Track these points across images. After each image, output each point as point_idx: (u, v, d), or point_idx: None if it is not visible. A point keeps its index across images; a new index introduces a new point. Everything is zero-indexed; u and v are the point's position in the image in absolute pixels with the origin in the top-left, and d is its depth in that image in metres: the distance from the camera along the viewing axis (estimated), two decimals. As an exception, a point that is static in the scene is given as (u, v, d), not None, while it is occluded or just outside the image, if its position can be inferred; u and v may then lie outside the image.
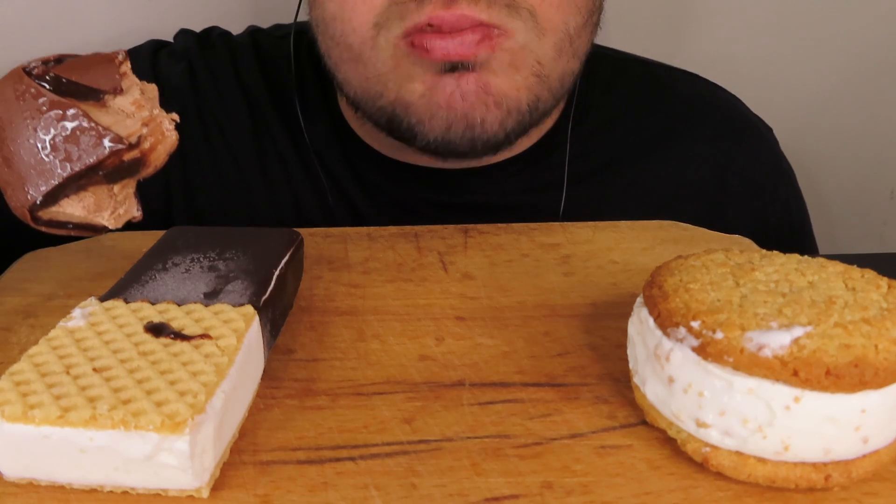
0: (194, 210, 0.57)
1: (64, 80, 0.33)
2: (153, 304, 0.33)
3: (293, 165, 0.58)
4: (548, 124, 0.59)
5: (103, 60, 0.34)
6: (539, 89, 0.49)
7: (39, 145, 0.32)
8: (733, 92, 0.66)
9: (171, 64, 0.60)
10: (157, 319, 0.32)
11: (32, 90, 0.32)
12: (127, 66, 0.34)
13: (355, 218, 0.57)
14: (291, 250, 0.39)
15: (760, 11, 0.83)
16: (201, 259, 0.37)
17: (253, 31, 0.63)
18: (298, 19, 0.58)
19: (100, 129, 0.32)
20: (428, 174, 0.56)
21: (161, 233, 0.41)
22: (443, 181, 0.57)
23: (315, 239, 0.48)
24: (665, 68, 0.65)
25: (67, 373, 0.28)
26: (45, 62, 0.33)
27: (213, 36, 0.62)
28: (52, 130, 0.32)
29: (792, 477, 0.28)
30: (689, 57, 0.73)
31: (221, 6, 0.77)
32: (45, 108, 0.32)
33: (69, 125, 0.32)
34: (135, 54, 0.61)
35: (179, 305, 0.33)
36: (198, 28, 0.63)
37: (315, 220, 0.57)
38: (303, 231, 0.42)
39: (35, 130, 0.32)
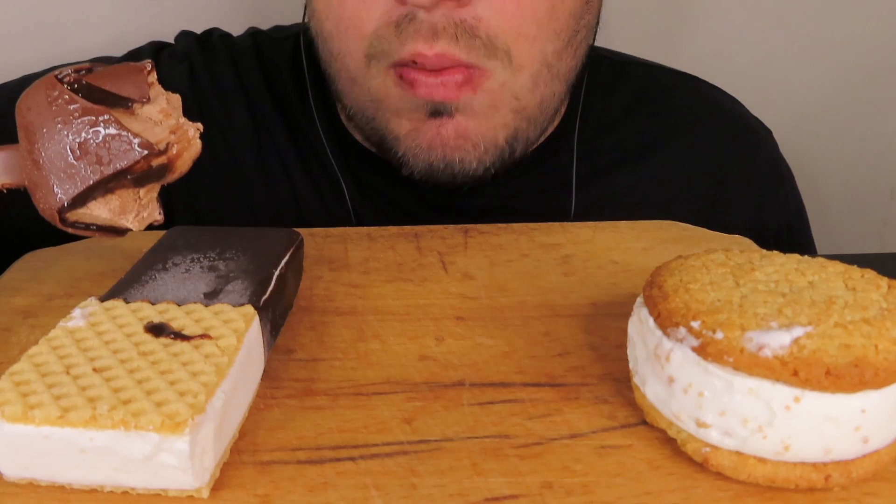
0: (195, 211, 0.57)
1: (95, 88, 0.34)
2: (153, 304, 0.33)
3: (293, 167, 0.58)
4: (549, 128, 0.59)
5: (132, 70, 0.35)
6: (517, 122, 0.50)
7: (71, 149, 0.33)
8: (733, 93, 0.66)
9: (171, 65, 0.60)
10: (157, 319, 0.32)
11: (65, 97, 0.33)
12: (154, 77, 0.36)
13: (356, 221, 0.57)
14: (291, 250, 0.39)
15: (760, 12, 0.83)
16: (201, 259, 0.37)
17: (253, 33, 0.63)
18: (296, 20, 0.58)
19: (131, 135, 0.33)
20: None
21: (161, 233, 0.41)
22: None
23: (315, 239, 0.48)
24: (665, 70, 0.65)
25: (67, 373, 0.28)
26: (77, 70, 0.34)
27: (214, 37, 0.62)
28: (84, 135, 0.33)
29: (792, 477, 0.28)
30: (689, 58, 0.73)
31: (221, 7, 0.78)
32: (77, 114, 0.33)
33: (101, 131, 0.33)
34: (135, 56, 0.61)
35: (179, 305, 0.33)
36: (198, 29, 0.63)
37: (315, 223, 0.57)
38: (303, 231, 0.42)
39: (67, 135, 0.33)
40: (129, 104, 0.34)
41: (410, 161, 0.50)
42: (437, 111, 0.48)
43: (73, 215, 0.34)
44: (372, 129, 0.52)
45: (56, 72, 0.34)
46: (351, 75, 0.50)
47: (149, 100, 0.35)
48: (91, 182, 0.33)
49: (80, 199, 0.33)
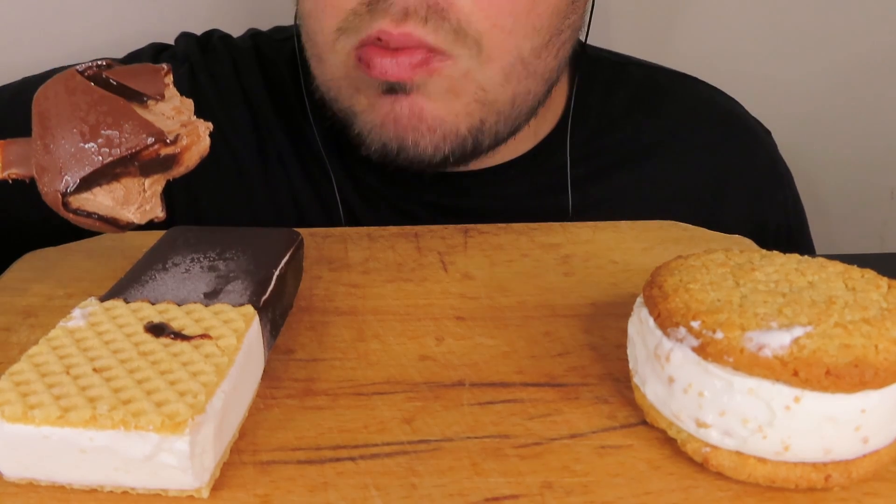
0: (195, 212, 0.57)
1: (112, 82, 0.35)
2: (153, 304, 0.33)
3: (293, 168, 0.58)
4: (546, 128, 0.59)
5: (149, 70, 0.36)
6: (483, 113, 0.49)
7: (81, 133, 0.34)
8: (732, 93, 0.66)
9: (172, 67, 0.60)
10: (157, 319, 0.32)
11: (83, 87, 0.34)
12: (170, 79, 0.37)
13: (354, 223, 0.57)
14: (291, 250, 0.39)
15: (759, 13, 0.83)
16: (201, 259, 0.37)
17: (253, 35, 0.63)
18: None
19: (142, 121, 0.34)
20: (425, 178, 0.56)
21: (161, 233, 0.41)
22: (440, 185, 0.57)
23: (315, 239, 0.48)
24: (664, 71, 0.65)
25: (67, 373, 0.28)
26: (98, 66, 0.36)
27: (214, 39, 0.62)
28: (97, 120, 0.34)
29: (792, 477, 0.28)
30: (688, 59, 0.73)
31: (221, 9, 0.78)
32: (93, 101, 0.34)
33: (114, 116, 0.34)
34: (136, 57, 0.61)
35: (179, 305, 0.33)
36: (198, 31, 0.63)
37: (315, 223, 0.57)
38: (303, 231, 0.42)
39: (81, 121, 0.34)
40: (144, 99, 0.35)
41: (366, 139, 0.50)
42: (393, 88, 0.47)
43: (76, 201, 0.34)
44: (337, 110, 0.52)
45: (77, 66, 0.35)
46: (318, 52, 0.50)
47: (163, 98, 0.36)
48: (99, 165, 0.33)
49: (86, 183, 0.34)
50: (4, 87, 0.58)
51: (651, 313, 0.31)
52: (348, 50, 0.47)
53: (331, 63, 0.49)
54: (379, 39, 0.45)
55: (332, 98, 0.51)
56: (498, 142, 0.53)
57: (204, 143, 0.35)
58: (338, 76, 0.50)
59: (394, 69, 0.46)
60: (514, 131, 0.53)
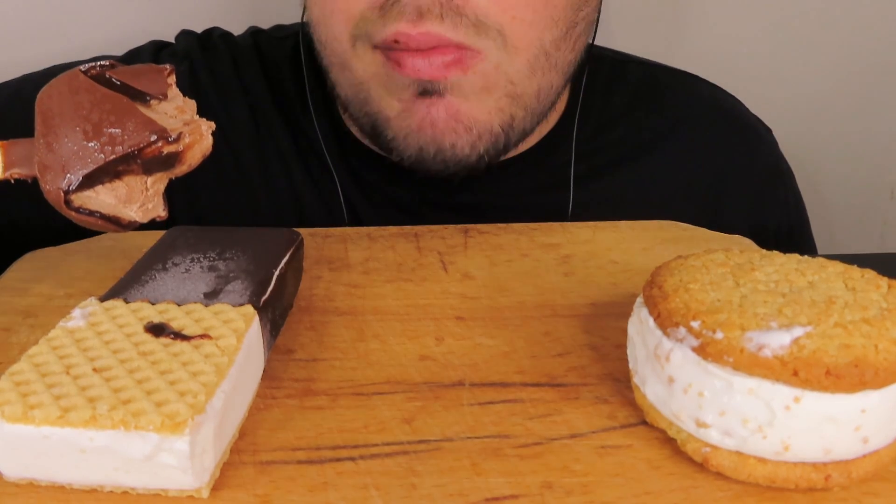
0: (195, 211, 0.57)
1: (116, 82, 0.35)
2: (153, 304, 0.33)
3: (294, 166, 0.58)
4: (547, 126, 0.59)
5: (152, 70, 0.37)
6: (513, 109, 0.49)
7: (86, 132, 0.34)
8: (733, 92, 0.66)
9: (172, 64, 0.60)
10: (157, 319, 0.32)
11: (87, 86, 0.35)
12: (173, 79, 0.37)
13: (356, 220, 0.57)
14: (291, 250, 0.39)
15: (760, 11, 0.83)
16: (201, 259, 0.37)
17: (254, 32, 0.63)
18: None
19: (145, 119, 0.34)
20: (428, 175, 0.56)
21: (161, 233, 0.41)
22: (443, 182, 0.57)
23: (315, 239, 0.48)
24: (665, 69, 0.65)
25: (67, 373, 0.28)
26: (102, 66, 0.36)
27: (215, 37, 0.62)
28: (100, 118, 0.34)
29: (792, 477, 0.28)
30: (689, 58, 0.73)
31: (222, 7, 0.78)
32: (96, 99, 0.34)
33: (117, 115, 0.34)
34: (136, 55, 0.61)
35: (179, 305, 0.33)
36: (198, 29, 0.63)
37: (316, 222, 0.57)
38: (303, 231, 0.42)
39: (84, 119, 0.34)
40: (147, 98, 0.35)
41: (401, 145, 0.49)
42: (426, 90, 0.47)
43: (78, 199, 0.34)
44: (364, 115, 0.51)
45: (81, 66, 0.36)
46: (339, 60, 0.50)
47: (166, 97, 0.36)
48: (102, 162, 0.33)
49: (89, 181, 0.34)
50: (5, 84, 0.58)
51: (651, 313, 0.31)
52: (369, 51, 0.47)
53: (357, 68, 0.49)
54: (396, 42, 0.45)
55: (362, 101, 0.51)
56: (523, 137, 0.53)
57: (206, 142, 0.36)
58: (366, 79, 0.49)
59: (427, 68, 0.46)
60: (534, 127, 0.53)
